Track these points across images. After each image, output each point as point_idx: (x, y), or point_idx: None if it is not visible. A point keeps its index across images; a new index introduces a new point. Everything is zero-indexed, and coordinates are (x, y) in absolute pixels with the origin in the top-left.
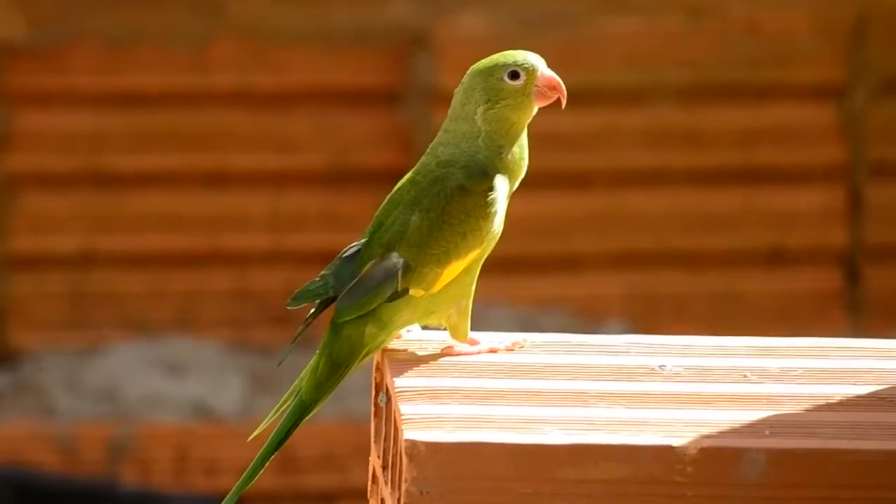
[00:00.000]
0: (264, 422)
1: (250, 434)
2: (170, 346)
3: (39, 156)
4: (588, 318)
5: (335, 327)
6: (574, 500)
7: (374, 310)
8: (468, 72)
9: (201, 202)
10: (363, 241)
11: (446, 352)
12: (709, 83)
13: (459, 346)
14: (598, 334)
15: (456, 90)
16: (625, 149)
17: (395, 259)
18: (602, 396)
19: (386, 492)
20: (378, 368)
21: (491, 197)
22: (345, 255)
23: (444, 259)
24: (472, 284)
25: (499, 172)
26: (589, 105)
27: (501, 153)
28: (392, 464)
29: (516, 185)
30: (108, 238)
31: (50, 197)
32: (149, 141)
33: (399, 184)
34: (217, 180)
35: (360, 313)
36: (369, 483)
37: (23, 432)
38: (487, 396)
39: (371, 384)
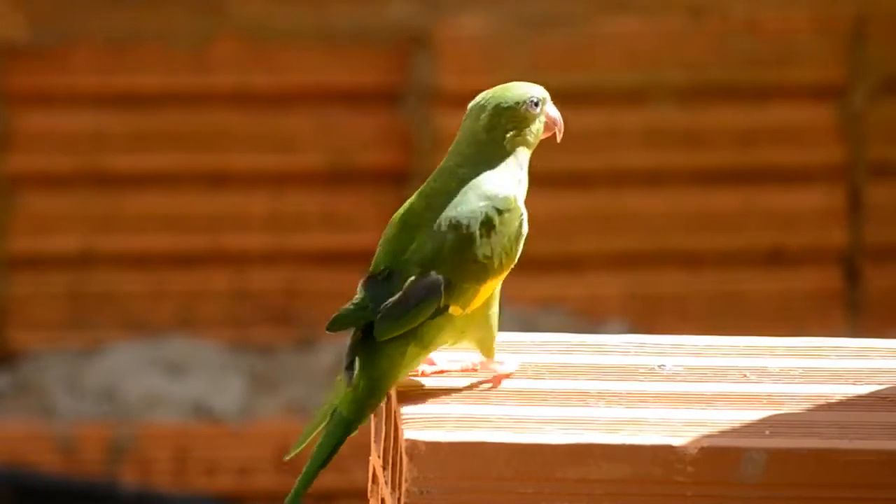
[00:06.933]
0: (298, 445)
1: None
2: (170, 346)
3: (39, 156)
4: (588, 318)
5: (375, 346)
6: (574, 500)
7: (415, 329)
8: (488, 100)
9: (201, 202)
10: (380, 269)
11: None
12: (709, 83)
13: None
14: (598, 334)
15: (468, 116)
16: (625, 149)
17: (435, 276)
18: (602, 396)
19: (386, 492)
20: None
21: (521, 220)
22: (372, 279)
23: (483, 275)
24: (496, 304)
25: (520, 199)
26: (589, 105)
27: (521, 181)
28: (392, 463)
29: None
30: (108, 238)
31: (50, 197)
32: (149, 141)
33: (405, 208)
34: (217, 180)
35: (402, 331)
36: (369, 483)
37: (23, 432)
38: (487, 396)
39: None
